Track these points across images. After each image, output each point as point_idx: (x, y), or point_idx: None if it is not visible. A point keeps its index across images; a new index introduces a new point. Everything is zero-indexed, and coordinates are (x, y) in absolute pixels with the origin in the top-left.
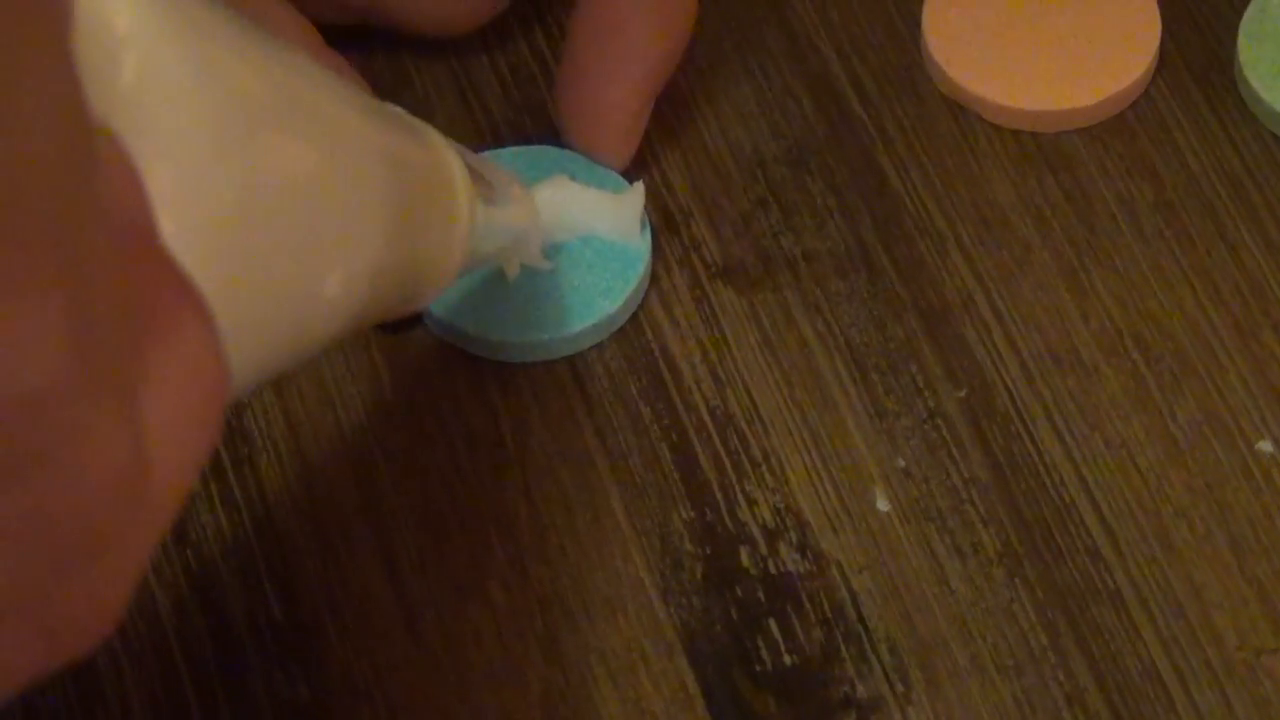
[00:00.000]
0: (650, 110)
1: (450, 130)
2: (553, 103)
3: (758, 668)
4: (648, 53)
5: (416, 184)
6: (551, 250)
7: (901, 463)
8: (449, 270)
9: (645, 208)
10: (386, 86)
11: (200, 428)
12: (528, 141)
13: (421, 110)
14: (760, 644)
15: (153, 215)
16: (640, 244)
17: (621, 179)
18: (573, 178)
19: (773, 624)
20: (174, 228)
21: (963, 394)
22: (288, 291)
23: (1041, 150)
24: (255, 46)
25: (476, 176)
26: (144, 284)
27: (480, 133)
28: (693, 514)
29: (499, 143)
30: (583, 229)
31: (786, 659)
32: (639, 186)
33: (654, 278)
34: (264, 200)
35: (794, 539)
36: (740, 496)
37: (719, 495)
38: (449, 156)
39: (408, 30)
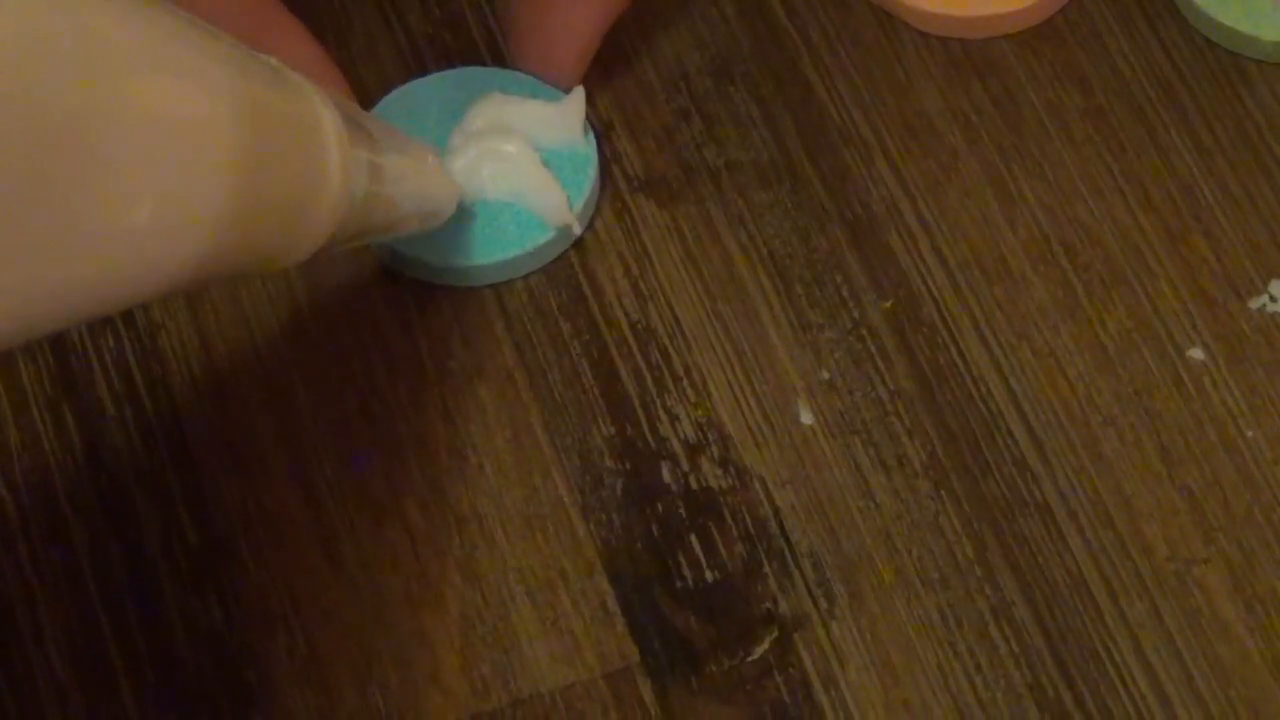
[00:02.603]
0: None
1: (369, 47)
2: (502, 20)
3: (679, 584)
4: None
5: (271, 131)
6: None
7: (826, 375)
8: (319, 222)
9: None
10: (301, 3)
11: None
12: (449, 59)
13: (339, 26)
14: (681, 561)
15: None
16: (587, 165)
17: (554, 94)
18: (505, 92)
19: (694, 540)
20: None
21: (888, 304)
22: (77, 209)
23: (970, 57)
24: None
25: (365, 136)
26: None
27: (399, 50)
28: (613, 430)
29: (419, 60)
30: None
31: (708, 575)
32: (579, 91)
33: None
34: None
35: (716, 454)
36: (661, 411)
37: (640, 411)
38: (321, 111)
39: None
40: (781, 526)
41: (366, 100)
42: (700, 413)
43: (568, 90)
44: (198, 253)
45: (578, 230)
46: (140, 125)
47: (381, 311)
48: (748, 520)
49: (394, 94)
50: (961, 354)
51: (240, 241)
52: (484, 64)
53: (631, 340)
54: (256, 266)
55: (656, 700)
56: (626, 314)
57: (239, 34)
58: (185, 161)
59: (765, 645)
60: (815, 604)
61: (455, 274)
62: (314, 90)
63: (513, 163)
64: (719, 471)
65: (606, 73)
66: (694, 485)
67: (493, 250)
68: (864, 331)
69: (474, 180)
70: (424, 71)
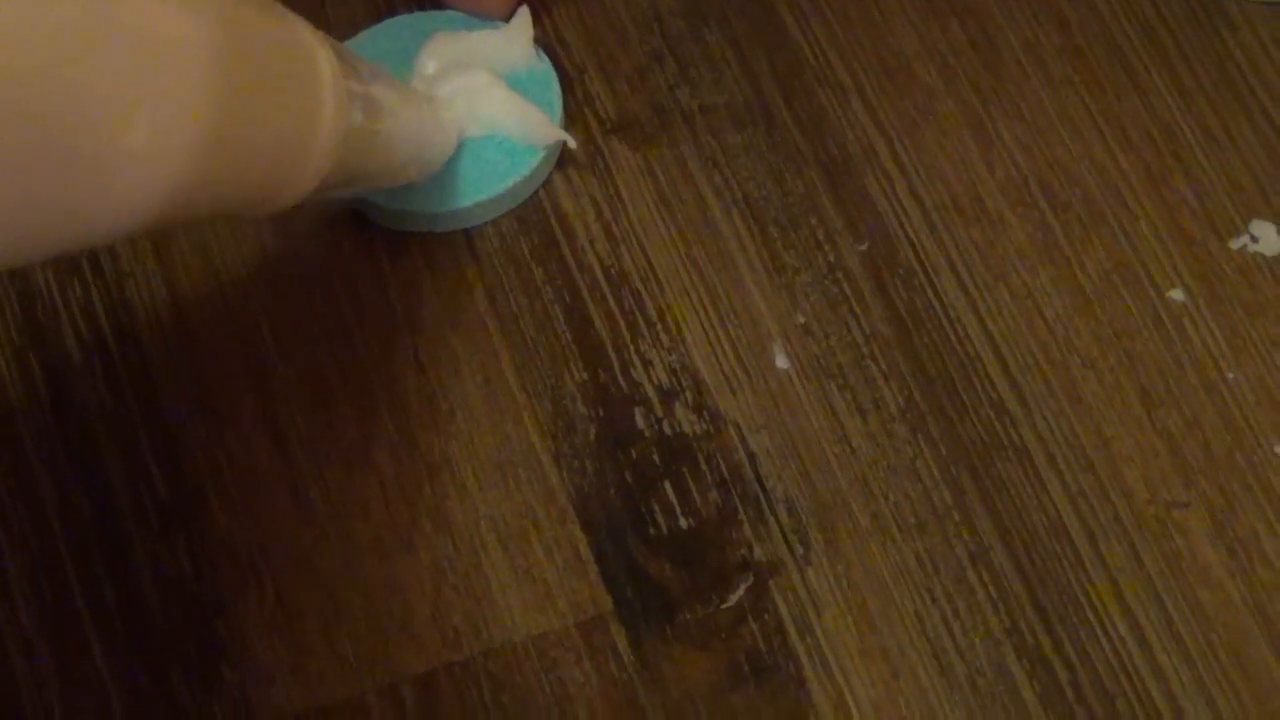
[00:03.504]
0: None
1: None
2: None
3: (652, 531)
4: None
5: (259, 53)
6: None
7: (801, 319)
8: (315, 155)
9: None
10: None
11: None
12: (418, 1)
13: None
14: (655, 507)
15: None
16: (549, 81)
17: (494, 24)
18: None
19: (668, 487)
20: None
21: (864, 247)
22: (75, 124)
23: None
24: None
25: (359, 72)
26: None
27: None
28: (586, 376)
29: (391, 7)
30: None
31: (682, 522)
32: (524, 10)
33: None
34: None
35: (690, 399)
36: (635, 356)
37: (613, 356)
38: (311, 40)
39: None
40: (756, 472)
41: None
42: (674, 358)
43: (504, 18)
44: (189, 176)
45: (572, 143)
46: (127, 45)
47: (351, 259)
48: (722, 466)
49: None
50: (938, 296)
51: (232, 167)
52: (420, 8)
53: (604, 285)
54: (254, 201)
55: (630, 648)
56: (599, 258)
57: None
58: (173, 81)
59: (740, 592)
60: (790, 550)
61: (454, 218)
62: (304, 22)
63: (485, 95)
64: (693, 417)
65: (579, 14)
66: (668, 431)
67: (490, 185)
68: (840, 274)
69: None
70: (393, 11)
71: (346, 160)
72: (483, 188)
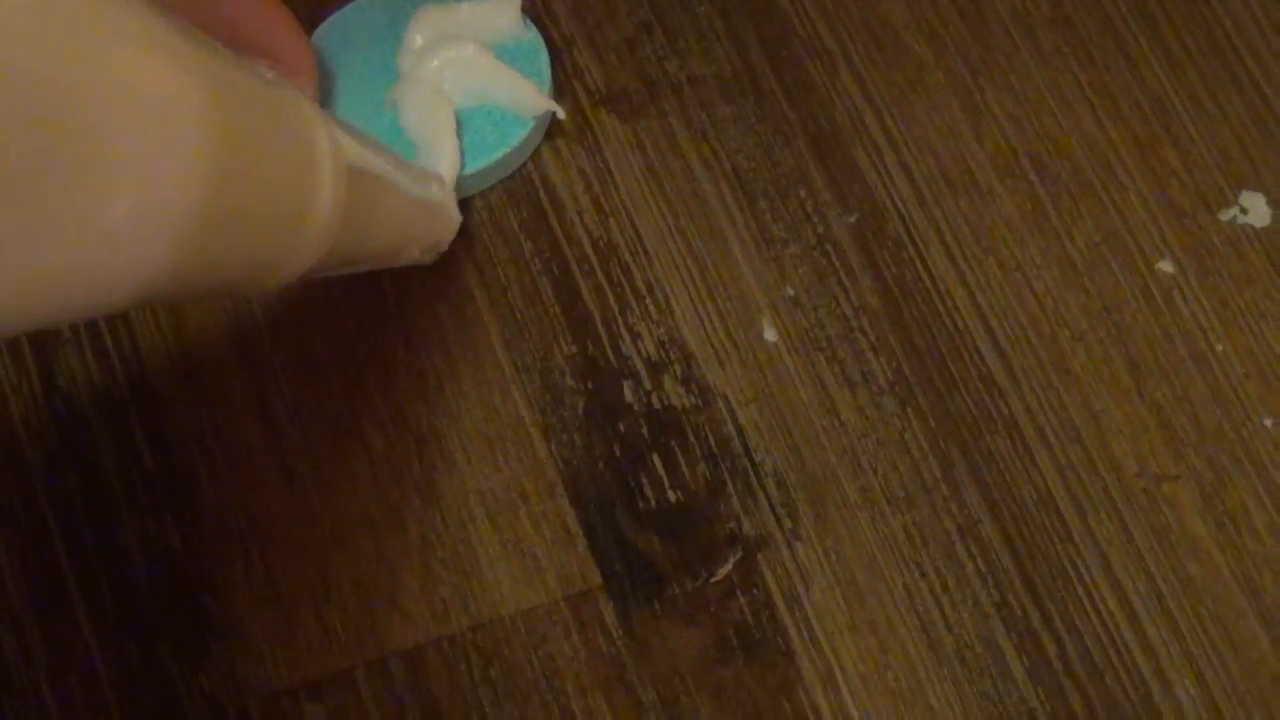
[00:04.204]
0: None
1: None
2: None
3: (641, 505)
4: None
5: (258, 127)
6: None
7: (790, 291)
8: (312, 232)
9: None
10: None
11: None
12: None
13: None
14: (644, 481)
15: None
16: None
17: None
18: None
19: (656, 460)
20: None
21: (853, 219)
22: (53, 206)
23: None
24: None
25: (362, 149)
26: None
27: None
28: (574, 349)
29: None
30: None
31: (671, 496)
32: None
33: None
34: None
35: (678, 372)
36: (623, 329)
37: (601, 329)
38: (310, 114)
39: None
40: (745, 445)
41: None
42: (663, 331)
43: None
44: (177, 247)
45: (561, 114)
46: (118, 105)
47: None
48: (711, 439)
49: (321, 29)
50: (928, 269)
51: (222, 240)
52: None
53: (593, 257)
54: (246, 276)
55: (619, 622)
56: (588, 230)
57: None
58: (158, 149)
59: (729, 566)
60: (779, 524)
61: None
62: (303, 96)
63: (473, 66)
64: (681, 390)
65: None
66: (656, 404)
67: (480, 156)
68: (828, 247)
69: (440, 94)
70: None
71: (345, 237)
72: (472, 158)
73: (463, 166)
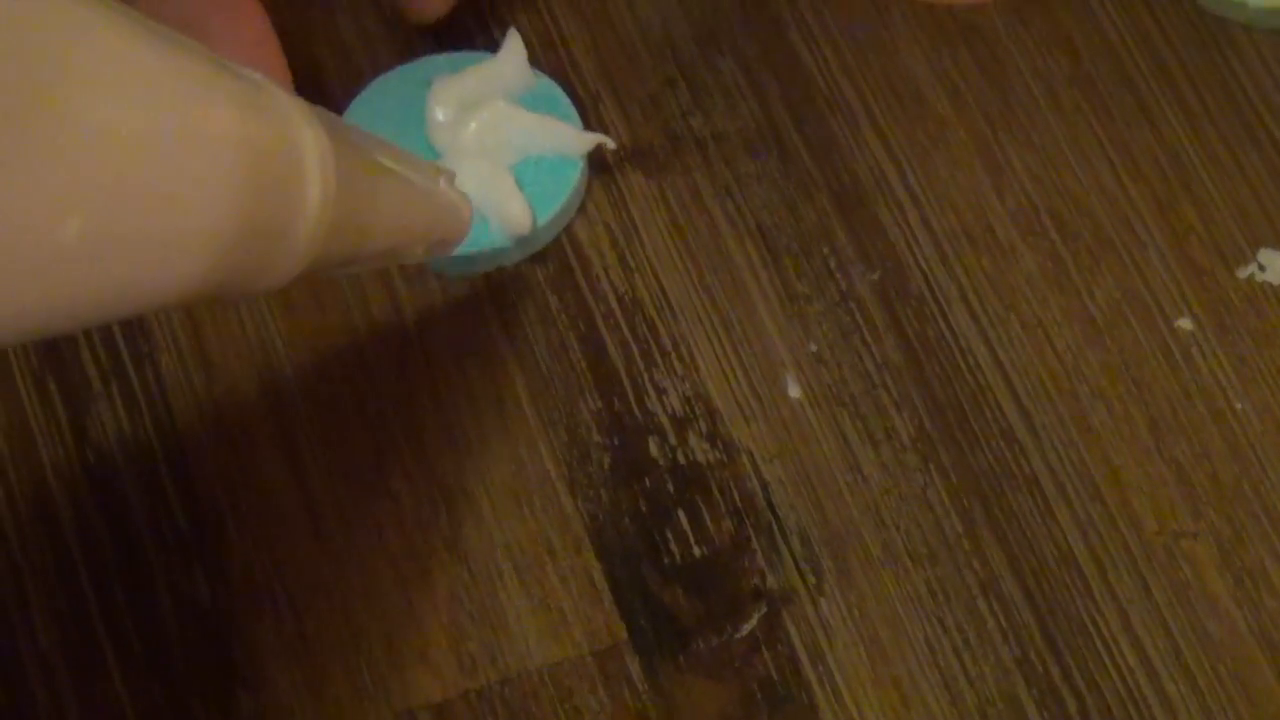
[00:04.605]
0: None
1: (353, 16)
2: None
3: (666, 560)
4: None
5: (231, 155)
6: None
7: (813, 347)
8: (300, 237)
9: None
10: None
11: None
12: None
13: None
14: (669, 536)
15: None
16: (574, 162)
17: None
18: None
19: (682, 515)
20: None
21: (876, 276)
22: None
23: (957, 24)
24: None
25: (355, 152)
26: None
27: (383, 18)
28: (600, 404)
29: (406, 36)
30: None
31: (696, 551)
32: (512, 32)
33: None
34: None
35: (703, 428)
36: (649, 385)
37: (627, 384)
38: (300, 123)
39: None
40: (769, 501)
41: (351, 76)
42: (688, 387)
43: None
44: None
45: (611, 143)
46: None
47: (368, 286)
48: (735, 495)
49: (354, 104)
50: (949, 326)
51: (226, 260)
52: (470, 37)
53: (618, 313)
54: (233, 283)
55: (645, 677)
56: (613, 286)
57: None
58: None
59: (753, 621)
60: (803, 579)
61: (525, 245)
62: (298, 108)
63: (510, 122)
64: (706, 446)
65: (593, 41)
66: (681, 460)
67: (547, 205)
68: (852, 304)
69: (489, 159)
70: (409, 44)
71: (342, 237)
72: (541, 209)
73: (535, 220)
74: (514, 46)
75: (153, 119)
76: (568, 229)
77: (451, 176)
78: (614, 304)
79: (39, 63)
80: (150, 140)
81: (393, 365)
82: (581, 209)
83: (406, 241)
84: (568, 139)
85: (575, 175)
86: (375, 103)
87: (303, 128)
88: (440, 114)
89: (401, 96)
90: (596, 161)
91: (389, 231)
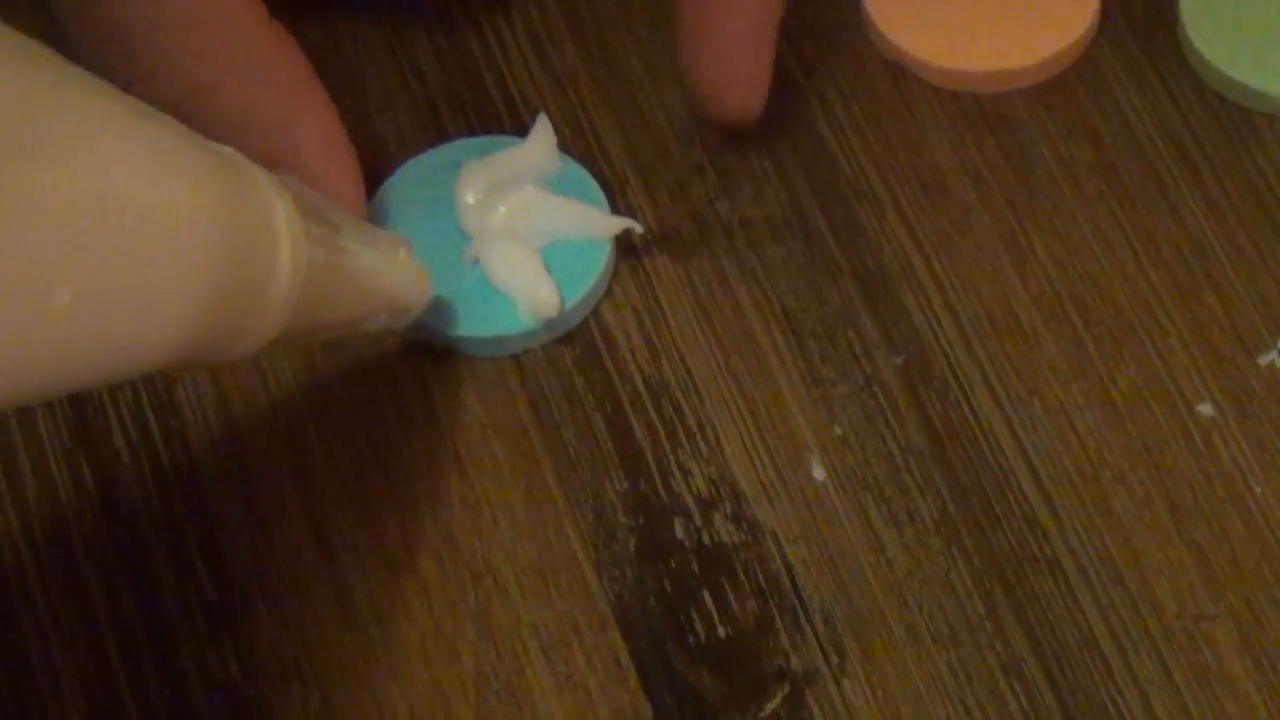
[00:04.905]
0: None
1: (386, 101)
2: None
3: (691, 640)
4: None
5: (207, 228)
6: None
7: (838, 430)
8: (270, 308)
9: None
10: (319, 54)
11: None
12: (464, 113)
13: (354, 79)
14: (694, 616)
15: None
16: (602, 246)
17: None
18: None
19: (707, 596)
20: None
21: (900, 360)
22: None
23: (981, 112)
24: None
25: (324, 228)
26: None
27: (415, 104)
28: (626, 485)
29: (435, 115)
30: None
31: (721, 631)
32: (542, 116)
33: None
34: None
35: (729, 509)
36: (674, 466)
37: (653, 466)
38: (273, 201)
39: None
40: (794, 582)
41: (382, 158)
42: (714, 469)
43: (754, 112)
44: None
45: (639, 228)
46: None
47: (396, 364)
48: (760, 576)
49: (385, 186)
50: (973, 410)
51: (203, 325)
52: (500, 120)
53: (645, 395)
54: (211, 353)
55: None
56: (640, 368)
57: (277, 114)
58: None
59: (777, 701)
60: (827, 660)
61: (553, 327)
62: (268, 180)
63: (539, 207)
64: (732, 527)
65: (620, 126)
66: (707, 541)
67: (574, 288)
68: (876, 387)
69: (519, 243)
70: (440, 127)
71: (307, 309)
72: (569, 292)
73: (563, 303)
74: (543, 132)
75: (128, 190)
76: (595, 311)
77: (411, 246)
78: (640, 386)
79: (13, 131)
80: (124, 211)
81: (421, 445)
82: (609, 292)
83: (371, 308)
84: (595, 223)
85: (603, 259)
86: (407, 185)
87: (274, 199)
88: (470, 197)
89: (432, 180)
90: (624, 245)
91: (354, 299)
